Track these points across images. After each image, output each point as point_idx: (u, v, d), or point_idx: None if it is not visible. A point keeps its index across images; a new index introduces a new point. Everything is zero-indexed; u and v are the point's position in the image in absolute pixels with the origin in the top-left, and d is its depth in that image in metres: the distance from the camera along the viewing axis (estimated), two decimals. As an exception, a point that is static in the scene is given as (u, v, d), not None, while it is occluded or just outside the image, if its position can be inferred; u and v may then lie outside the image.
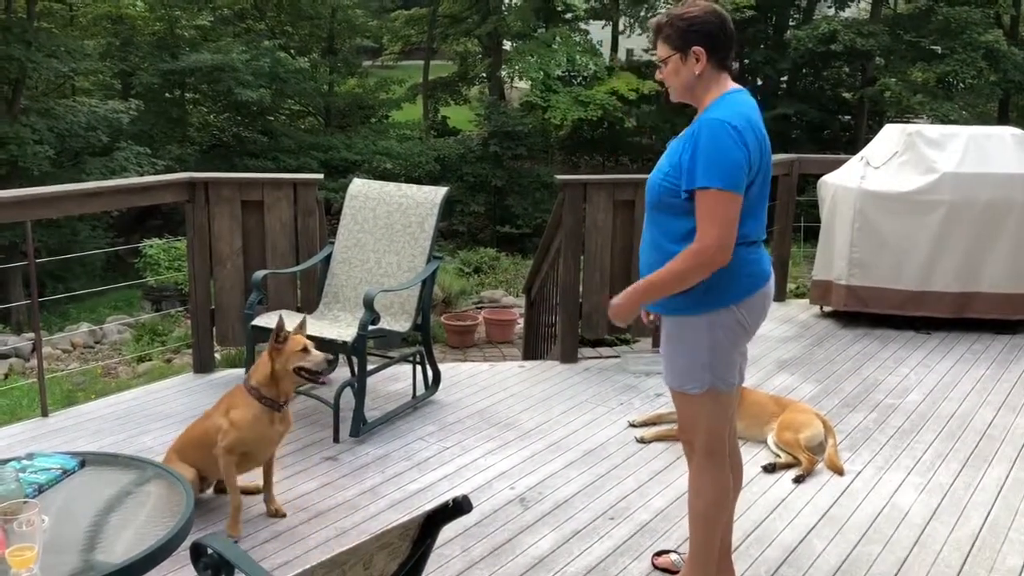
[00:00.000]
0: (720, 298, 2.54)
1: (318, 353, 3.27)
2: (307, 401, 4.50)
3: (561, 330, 5.40)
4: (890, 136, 6.19)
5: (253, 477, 3.54)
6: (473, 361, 7.91)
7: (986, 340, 5.79)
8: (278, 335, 3.25)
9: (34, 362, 9.74)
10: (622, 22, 25.70)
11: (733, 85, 2.58)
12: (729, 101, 2.52)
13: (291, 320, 4.24)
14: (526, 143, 21.10)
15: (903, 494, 3.67)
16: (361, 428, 4.15)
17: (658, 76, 2.65)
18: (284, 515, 3.41)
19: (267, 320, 4.23)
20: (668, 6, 25.65)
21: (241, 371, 4.58)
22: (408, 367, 4.72)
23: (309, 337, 3.42)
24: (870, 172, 6.00)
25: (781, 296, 6.88)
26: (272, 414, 3.25)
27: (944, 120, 17.96)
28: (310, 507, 3.49)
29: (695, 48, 2.51)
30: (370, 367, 4.31)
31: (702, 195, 2.43)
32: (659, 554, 3.14)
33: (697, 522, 2.75)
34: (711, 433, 2.68)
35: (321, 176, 5.29)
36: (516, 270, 15.58)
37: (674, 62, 2.56)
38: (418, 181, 17.19)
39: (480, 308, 12.27)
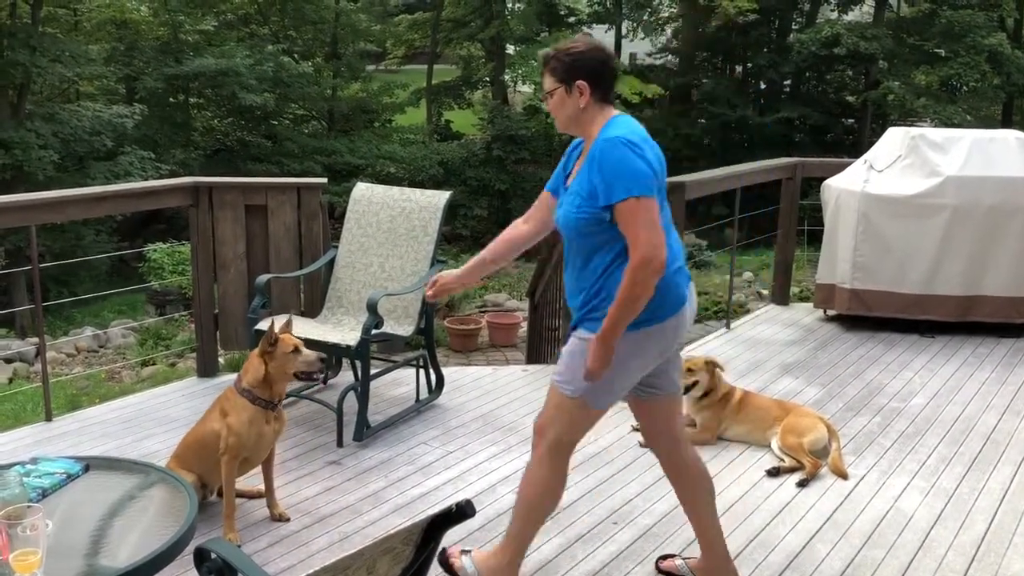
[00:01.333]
0: (645, 319, 2.54)
1: (310, 352, 3.29)
2: (311, 405, 4.51)
3: (564, 334, 5.39)
4: (893, 139, 6.18)
5: (255, 481, 3.55)
6: (476, 365, 7.91)
7: (990, 344, 5.78)
8: (270, 340, 3.25)
9: (38, 366, 9.74)
10: (625, 26, 25.72)
11: (615, 112, 2.67)
12: (617, 123, 2.60)
13: (283, 324, 4.25)
14: (529, 147, 21.11)
15: (907, 498, 3.66)
16: (364, 432, 4.15)
17: (545, 106, 2.74)
18: (288, 519, 3.41)
19: (270, 324, 4.23)
20: (672, 10, 25.58)
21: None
22: (411, 371, 4.72)
23: (307, 341, 3.42)
24: (873, 176, 6.00)
25: (784, 300, 6.88)
26: (267, 414, 3.26)
27: (947, 123, 17.95)
28: (313, 511, 3.50)
29: (579, 82, 2.60)
30: (373, 371, 4.31)
31: (622, 208, 2.48)
32: (664, 558, 3.13)
33: (520, 509, 2.81)
34: (564, 435, 2.75)
35: (324, 180, 5.30)
36: (519, 274, 15.55)
37: (559, 94, 2.65)
38: (421, 185, 17.24)
39: (483, 312, 12.27)
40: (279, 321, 4.26)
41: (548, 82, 2.68)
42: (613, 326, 2.52)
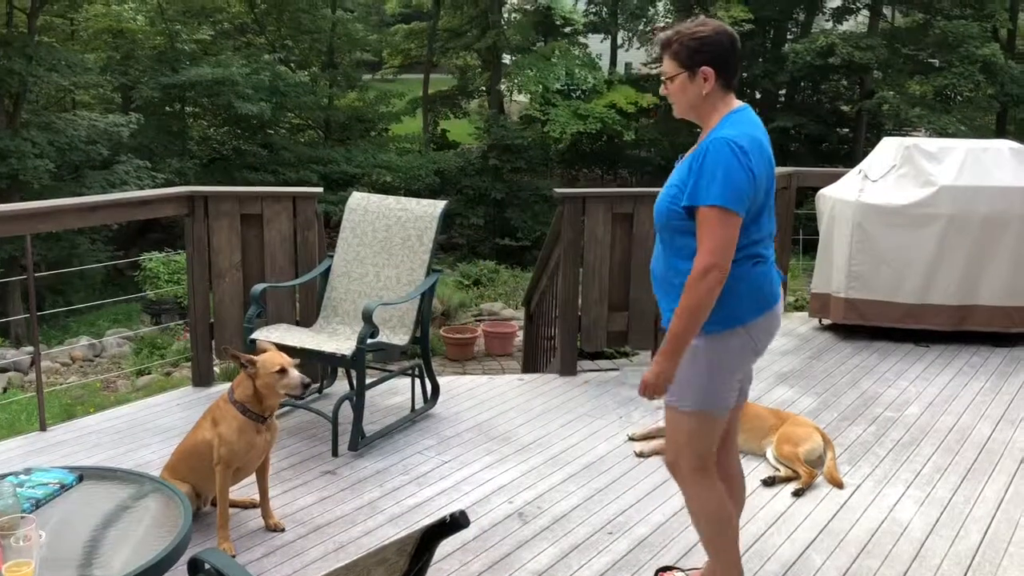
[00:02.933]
0: (726, 319, 2.49)
1: (295, 375, 3.19)
2: (306, 414, 4.50)
3: (560, 343, 5.41)
4: (888, 149, 6.21)
5: (250, 491, 3.53)
6: (472, 374, 7.90)
7: (984, 353, 5.79)
8: (242, 362, 3.21)
9: (33, 376, 9.72)
10: (621, 36, 25.80)
11: (738, 103, 2.56)
12: (735, 120, 2.50)
13: (280, 334, 4.25)
14: (525, 156, 21.16)
15: (902, 508, 3.66)
16: (360, 442, 4.15)
17: (663, 91, 2.61)
18: (283, 529, 3.40)
19: (266, 334, 4.23)
20: (667, 21, 25.62)
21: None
22: (407, 380, 4.71)
23: (296, 349, 3.39)
24: (868, 185, 6.02)
25: (780, 309, 6.88)
26: (258, 425, 3.25)
27: (942, 133, 18.01)
28: (308, 521, 3.49)
29: (703, 68, 2.49)
30: (369, 380, 4.31)
31: (703, 213, 2.41)
32: (664, 570, 3.12)
33: (705, 528, 2.74)
34: (697, 454, 2.66)
35: (320, 189, 5.29)
36: (515, 283, 15.57)
37: (681, 80, 2.52)
38: (418, 194, 17.23)
39: (479, 321, 12.27)
40: (270, 332, 4.26)
41: (669, 67, 2.53)
42: (677, 340, 2.46)
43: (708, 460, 2.67)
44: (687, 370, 2.55)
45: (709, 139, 2.46)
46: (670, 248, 2.57)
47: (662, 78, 2.60)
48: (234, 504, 3.48)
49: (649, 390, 2.55)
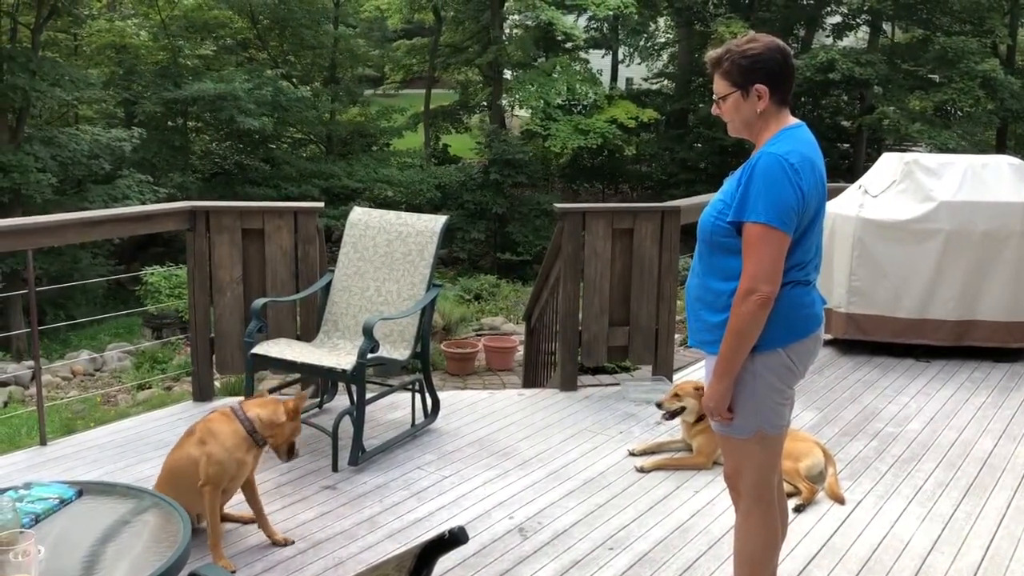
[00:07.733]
0: (768, 340, 2.45)
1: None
2: (306, 429, 4.49)
3: (561, 358, 5.40)
4: (888, 165, 6.22)
5: (243, 509, 3.52)
6: (473, 389, 7.89)
7: (986, 368, 5.79)
8: (299, 405, 3.32)
9: (33, 390, 9.72)
10: (622, 51, 25.93)
11: (792, 120, 2.51)
12: (788, 137, 2.45)
13: (280, 348, 4.26)
14: (526, 171, 21.22)
15: (904, 524, 3.65)
16: (360, 457, 4.14)
17: (715, 111, 2.56)
18: (292, 543, 3.38)
19: (266, 348, 4.24)
20: (668, 36, 25.68)
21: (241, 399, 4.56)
22: (407, 395, 4.71)
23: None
24: (868, 200, 6.03)
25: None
26: (251, 444, 3.24)
27: (942, 148, 18.06)
28: (308, 536, 3.48)
29: (757, 86, 2.44)
30: (369, 395, 4.31)
31: (750, 229, 2.37)
32: None
33: (743, 567, 2.69)
34: (759, 478, 2.61)
35: (322, 204, 5.31)
36: (516, 297, 15.58)
37: (734, 99, 2.48)
38: (419, 208, 17.28)
39: (480, 335, 12.26)
40: (271, 347, 4.27)
41: (721, 86, 2.49)
42: (723, 361, 2.45)
43: (768, 487, 2.64)
44: (735, 396, 2.52)
45: (759, 154, 2.42)
46: (707, 265, 2.54)
47: (714, 97, 2.54)
48: (233, 519, 3.47)
49: (712, 414, 2.55)
